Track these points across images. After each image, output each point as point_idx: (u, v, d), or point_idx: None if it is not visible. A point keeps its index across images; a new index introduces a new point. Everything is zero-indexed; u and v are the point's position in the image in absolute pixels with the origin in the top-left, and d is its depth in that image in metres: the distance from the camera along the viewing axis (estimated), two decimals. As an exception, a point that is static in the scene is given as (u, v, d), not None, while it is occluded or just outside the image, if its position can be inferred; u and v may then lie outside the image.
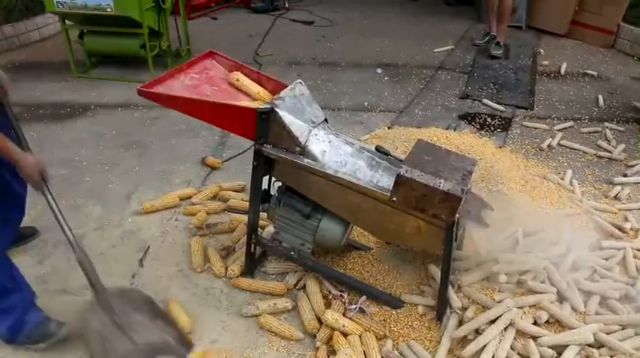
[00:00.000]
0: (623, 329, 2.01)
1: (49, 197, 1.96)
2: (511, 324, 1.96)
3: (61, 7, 4.33)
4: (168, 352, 1.91)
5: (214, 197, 2.97)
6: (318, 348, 2.03)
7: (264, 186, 2.24)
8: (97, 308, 1.91)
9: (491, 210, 2.12)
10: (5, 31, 5.32)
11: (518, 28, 6.34)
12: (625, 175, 3.28)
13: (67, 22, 4.67)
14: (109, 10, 4.27)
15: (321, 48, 5.77)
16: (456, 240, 1.99)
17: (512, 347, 1.94)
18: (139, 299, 2.06)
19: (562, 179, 3.17)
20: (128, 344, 1.85)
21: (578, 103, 4.42)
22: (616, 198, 3.04)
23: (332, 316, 2.08)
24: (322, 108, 2.21)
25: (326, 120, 2.17)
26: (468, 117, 4.11)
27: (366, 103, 4.36)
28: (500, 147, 3.59)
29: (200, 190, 3.03)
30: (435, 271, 2.23)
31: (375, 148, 2.13)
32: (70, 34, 4.69)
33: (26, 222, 2.76)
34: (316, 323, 2.13)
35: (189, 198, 2.96)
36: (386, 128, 3.85)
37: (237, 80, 2.23)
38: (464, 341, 2.00)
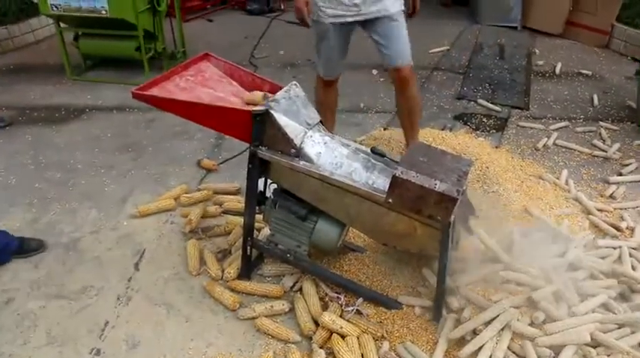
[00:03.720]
0: (619, 328, 2.01)
1: None
2: (507, 327, 1.96)
3: (55, 9, 4.32)
4: None
5: (205, 200, 2.94)
6: (312, 350, 2.02)
7: (260, 188, 2.24)
8: None
9: (477, 217, 2.13)
10: (-1, 33, 5.31)
11: (513, 28, 6.36)
12: (620, 174, 3.29)
13: (62, 24, 4.66)
14: (103, 12, 4.27)
15: (316, 49, 5.76)
16: (452, 241, 1.99)
17: (509, 348, 1.94)
18: None
19: (558, 178, 3.17)
20: None
21: (573, 103, 4.43)
22: (611, 196, 3.05)
23: (329, 318, 2.08)
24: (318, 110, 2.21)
25: (321, 121, 2.17)
26: (464, 118, 4.11)
27: (361, 104, 4.36)
28: (496, 148, 3.60)
29: (194, 195, 2.99)
30: (430, 275, 2.23)
31: (371, 150, 2.13)
32: (64, 37, 4.68)
33: (25, 226, 2.76)
34: (313, 325, 2.13)
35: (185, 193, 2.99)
36: (382, 129, 3.85)
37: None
38: (461, 342, 2.00)
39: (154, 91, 2.10)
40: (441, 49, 5.67)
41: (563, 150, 3.61)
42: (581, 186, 3.17)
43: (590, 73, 5.07)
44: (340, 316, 2.15)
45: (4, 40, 5.39)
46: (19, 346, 2.09)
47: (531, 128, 3.93)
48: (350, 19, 2.79)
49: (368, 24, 2.84)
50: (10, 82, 4.71)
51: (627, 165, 3.38)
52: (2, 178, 3.22)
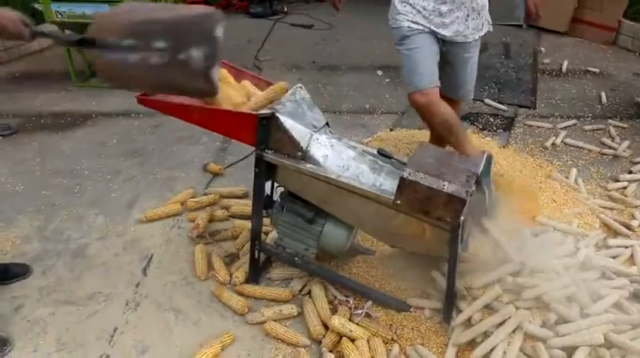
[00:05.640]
0: (633, 329, 1.98)
1: (46, 31, 1.94)
2: (519, 328, 1.94)
3: (59, 16, 4.33)
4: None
5: (212, 204, 2.94)
6: (322, 354, 2.01)
7: (267, 191, 2.23)
8: None
9: (491, 215, 2.10)
10: (5, 41, 5.33)
11: (519, 26, 6.32)
12: (630, 172, 3.25)
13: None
14: (107, 18, 4.27)
15: (320, 51, 5.76)
16: (461, 242, 1.97)
17: (521, 350, 1.92)
18: None
19: (567, 177, 3.14)
20: None
21: (581, 101, 4.40)
22: (622, 195, 3.01)
23: (338, 321, 2.06)
24: (323, 112, 2.20)
25: (327, 124, 2.16)
26: (471, 118, 4.09)
27: (367, 106, 4.35)
28: (504, 147, 3.57)
29: (201, 199, 2.98)
30: (440, 277, 2.21)
31: (377, 151, 2.12)
32: (69, 44, 4.69)
33: (32, 233, 2.77)
34: (322, 328, 2.11)
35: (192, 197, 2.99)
36: (388, 130, 3.84)
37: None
38: (472, 344, 1.98)
39: (159, 96, 2.10)
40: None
41: (572, 148, 3.58)
42: (591, 184, 3.13)
43: (597, 70, 5.03)
44: (349, 319, 2.13)
45: (9, 49, 5.41)
46: (29, 353, 2.09)
47: (539, 127, 3.90)
48: (427, 31, 2.52)
49: (446, 41, 2.59)
50: (15, 89, 4.73)
51: (637, 162, 3.34)
52: (9, 185, 3.23)
